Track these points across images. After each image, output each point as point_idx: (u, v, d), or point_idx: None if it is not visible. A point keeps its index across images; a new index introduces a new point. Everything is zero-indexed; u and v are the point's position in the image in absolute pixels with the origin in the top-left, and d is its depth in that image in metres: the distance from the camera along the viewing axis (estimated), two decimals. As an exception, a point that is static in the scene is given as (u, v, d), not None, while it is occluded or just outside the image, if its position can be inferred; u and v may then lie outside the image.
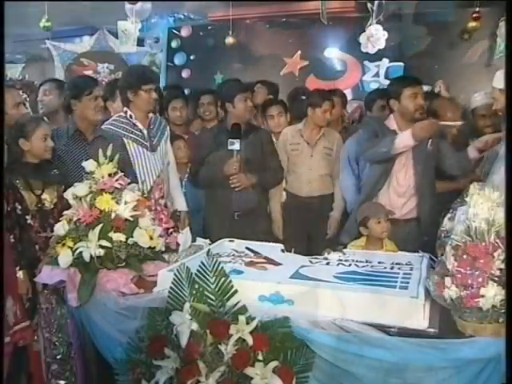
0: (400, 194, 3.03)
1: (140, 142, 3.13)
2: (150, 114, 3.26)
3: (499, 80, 2.61)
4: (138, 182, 2.96)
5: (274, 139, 3.81)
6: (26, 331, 2.44)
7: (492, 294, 1.56)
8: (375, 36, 3.89)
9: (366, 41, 3.94)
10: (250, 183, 3.35)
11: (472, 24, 4.75)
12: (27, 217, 2.57)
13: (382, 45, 3.93)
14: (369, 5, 3.94)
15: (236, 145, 3.24)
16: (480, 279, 1.58)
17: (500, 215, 1.62)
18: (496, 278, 1.57)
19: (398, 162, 3.00)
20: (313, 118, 3.57)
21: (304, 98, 3.89)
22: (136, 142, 3.12)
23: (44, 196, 2.63)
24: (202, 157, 3.47)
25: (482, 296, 1.57)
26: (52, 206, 2.63)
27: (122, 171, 2.30)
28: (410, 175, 3.02)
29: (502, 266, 1.57)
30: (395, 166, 3.00)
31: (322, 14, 4.23)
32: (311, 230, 3.64)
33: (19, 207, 2.56)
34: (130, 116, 3.13)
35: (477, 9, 4.64)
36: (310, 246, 3.50)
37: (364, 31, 3.97)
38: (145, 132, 3.16)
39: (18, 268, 2.46)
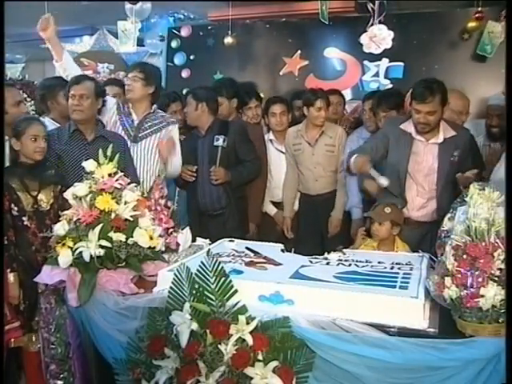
0: (421, 194, 3.00)
1: (126, 129, 3.26)
2: (154, 107, 3.34)
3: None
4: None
5: (273, 137, 3.82)
6: (15, 332, 2.45)
7: (492, 294, 1.56)
8: (379, 36, 3.89)
9: (369, 41, 3.93)
10: (228, 178, 3.40)
11: (473, 24, 4.73)
12: (24, 218, 2.56)
13: (388, 44, 3.92)
14: (369, 5, 3.94)
15: (220, 141, 3.37)
16: (480, 279, 1.58)
17: (500, 215, 1.62)
18: (496, 278, 1.58)
19: (420, 164, 2.96)
20: (309, 116, 3.58)
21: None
22: (123, 128, 3.26)
23: (40, 197, 2.61)
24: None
25: (482, 296, 1.57)
26: (48, 207, 2.62)
27: (122, 171, 2.30)
28: (433, 178, 2.97)
29: (502, 266, 1.57)
30: (417, 166, 2.96)
31: (321, 14, 4.22)
32: (324, 228, 3.66)
33: (15, 208, 2.55)
34: (128, 105, 3.33)
35: (479, 8, 4.62)
36: (323, 244, 3.52)
37: (365, 32, 3.96)
38: (135, 122, 3.27)
39: (8, 270, 2.45)
